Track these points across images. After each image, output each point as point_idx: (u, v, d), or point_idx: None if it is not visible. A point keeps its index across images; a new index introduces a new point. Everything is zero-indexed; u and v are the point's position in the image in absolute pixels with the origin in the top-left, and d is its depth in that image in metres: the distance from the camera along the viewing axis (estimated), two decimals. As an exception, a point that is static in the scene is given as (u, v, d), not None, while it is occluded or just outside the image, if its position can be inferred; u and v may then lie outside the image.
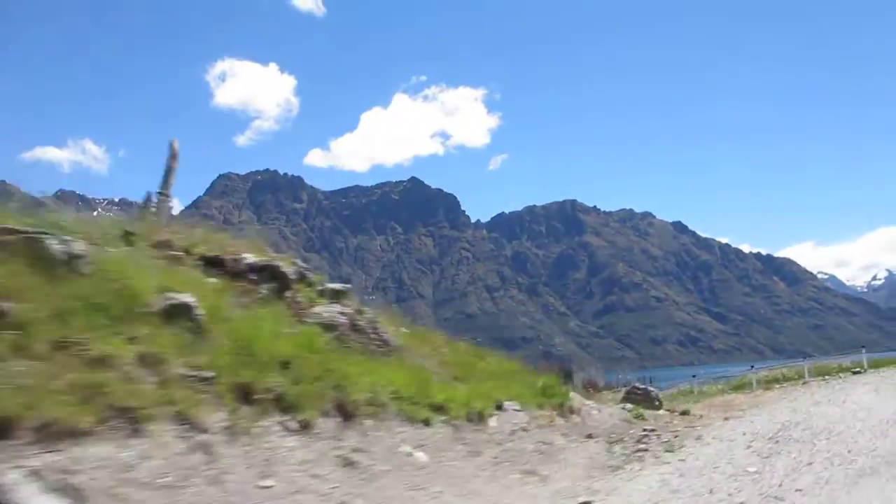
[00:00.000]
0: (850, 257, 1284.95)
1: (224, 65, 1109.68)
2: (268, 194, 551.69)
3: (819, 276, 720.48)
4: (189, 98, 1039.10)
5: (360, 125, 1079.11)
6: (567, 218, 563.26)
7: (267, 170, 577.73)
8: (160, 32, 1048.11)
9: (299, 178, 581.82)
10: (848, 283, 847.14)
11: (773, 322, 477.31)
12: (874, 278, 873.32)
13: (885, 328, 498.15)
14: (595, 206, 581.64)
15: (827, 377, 31.46)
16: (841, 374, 32.10)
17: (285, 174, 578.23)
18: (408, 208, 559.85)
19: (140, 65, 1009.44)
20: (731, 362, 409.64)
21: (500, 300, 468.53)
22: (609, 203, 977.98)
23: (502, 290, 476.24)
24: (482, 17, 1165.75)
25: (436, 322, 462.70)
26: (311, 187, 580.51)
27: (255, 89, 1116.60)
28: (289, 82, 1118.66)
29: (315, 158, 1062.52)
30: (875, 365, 34.27)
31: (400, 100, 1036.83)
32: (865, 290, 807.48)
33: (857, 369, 33.25)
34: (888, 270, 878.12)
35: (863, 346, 41.17)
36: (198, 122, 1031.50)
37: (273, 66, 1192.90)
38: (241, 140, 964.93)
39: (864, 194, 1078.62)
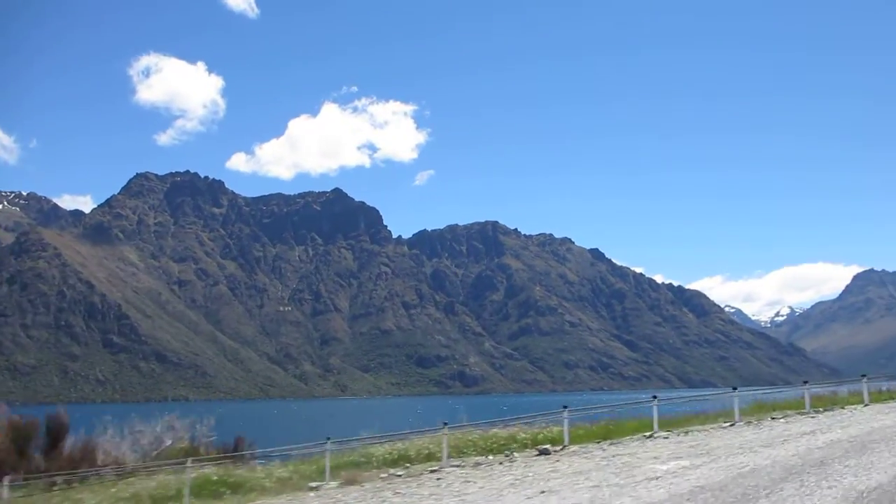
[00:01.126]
0: (756, 293, 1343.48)
1: (149, 59, 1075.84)
2: (186, 197, 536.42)
3: (726, 309, 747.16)
4: (109, 91, 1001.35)
5: (288, 132, 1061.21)
6: (488, 239, 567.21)
7: (187, 171, 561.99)
8: (81, 21, 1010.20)
9: (220, 183, 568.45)
10: (753, 318, 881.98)
11: (680, 352, 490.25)
12: (777, 314, 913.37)
13: (784, 362, 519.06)
14: (516, 229, 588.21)
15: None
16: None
17: (206, 177, 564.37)
18: (329, 220, 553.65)
19: (59, 54, 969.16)
20: (640, 389, 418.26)
21: (416, 317, 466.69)
22: (530, 227, 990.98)
23: (419, 308, 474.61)
24: (419, 33, 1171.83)
25: (351, 336, 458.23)
26: (232, 192, 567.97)
27: (180, 87, 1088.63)
28: (216, 83, 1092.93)
29: (238, 163, 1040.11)
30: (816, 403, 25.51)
31: (329, 109, 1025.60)
32: (769, 325, 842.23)
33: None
34: (790, 307, 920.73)
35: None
36: (117, 116, 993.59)
37: (201, 65, 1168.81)
38: (163, 139, 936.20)
39: (772, 233, 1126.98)
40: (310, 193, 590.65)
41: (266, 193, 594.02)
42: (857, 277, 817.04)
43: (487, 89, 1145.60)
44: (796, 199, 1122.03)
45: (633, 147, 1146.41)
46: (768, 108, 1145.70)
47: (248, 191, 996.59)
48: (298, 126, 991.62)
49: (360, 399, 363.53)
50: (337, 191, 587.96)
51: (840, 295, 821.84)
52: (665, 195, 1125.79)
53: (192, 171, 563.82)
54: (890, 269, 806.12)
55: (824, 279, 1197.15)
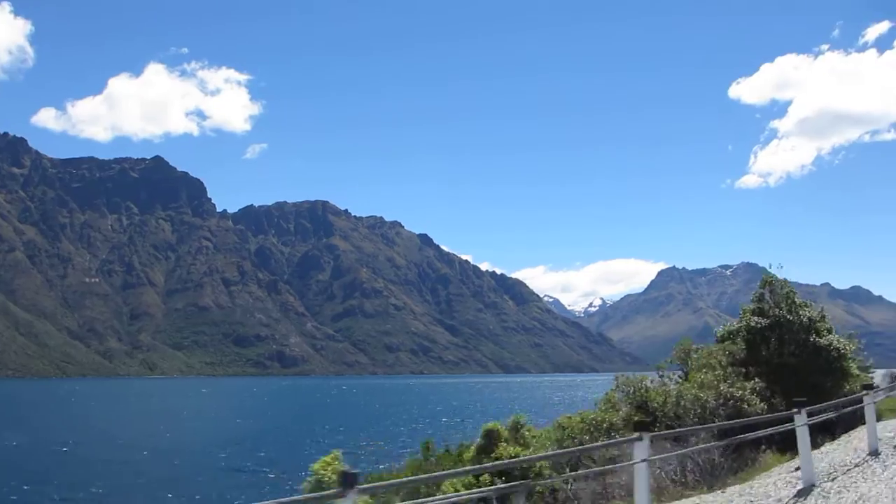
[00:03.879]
0: (574, 284, 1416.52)
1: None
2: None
3: (545, 298, 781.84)
4: None
5: (107, 90, 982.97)
6: (317, 218, 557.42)
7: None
8: None
9: (22, 140, 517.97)
10: (569, 308, 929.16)
11: (499, 338, 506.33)
12: (590, 305, 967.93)
13: (592, 350, 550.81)
14: (346, 210, 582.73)
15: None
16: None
17: (5, 133, 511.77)
18: (148, 188, 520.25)
19: None
20: (458, 374, 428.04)
21: (237, 295, 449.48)
22: (361, 209, 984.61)
23: (241, 285, 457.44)
24: (262, 1, 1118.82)
25: (165, 312, 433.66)
26: (37, 152, 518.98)
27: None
28: (23, 27, 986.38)
29: (46, 119, 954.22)
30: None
31: (155, 70, 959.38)
32: (582, 314, 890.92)
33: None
34: (602, 299, 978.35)
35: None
36: None
37: (5, 6, 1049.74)
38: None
39: (592, 229, 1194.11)
40: (127, 160, 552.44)
41: (78, 156, 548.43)
42: (661, 273, 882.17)
43: (325, 69, 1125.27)
44: (616, 200, 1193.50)
45: (469, 133, 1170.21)
46: (590, 123, 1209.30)
47: (56, 152, 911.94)
48: (119, 85, 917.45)
49: (170, 378, 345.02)
50: (157, 159, 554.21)
51: (645, 289, 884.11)
52: (493, 186, 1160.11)
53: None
54: (689, 268, 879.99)
55: (634, 273, 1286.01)
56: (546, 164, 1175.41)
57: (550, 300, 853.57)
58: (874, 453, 12.70)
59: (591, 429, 16.56)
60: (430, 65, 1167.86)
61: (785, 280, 21.66)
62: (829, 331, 20.43)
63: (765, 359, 19.87)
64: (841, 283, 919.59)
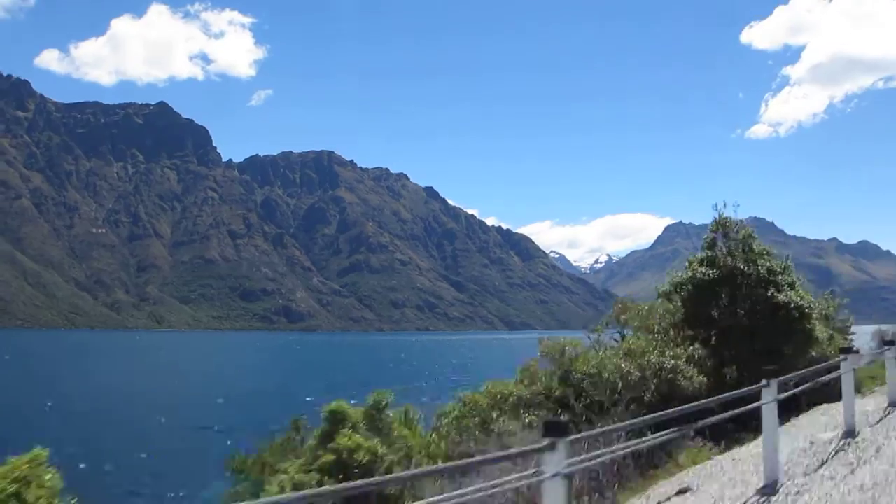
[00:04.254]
0: (580, 239, 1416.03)
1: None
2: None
3: (551, 254, 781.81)
4: None
5: (110, 31, 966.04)
6: (323, 169, 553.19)
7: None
8: None
9: (26, 83, 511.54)
10: (575, 264, 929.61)
11: (505, 294, 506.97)
12: (597, 261, 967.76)
13: (598, 307, 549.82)
14: (352, 161, 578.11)
15: None
16: None
17: (9, 76, 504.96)
18: (153, 135, 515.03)
19: None
20: (463, 330, 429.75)
21: (243, 248, 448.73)
22: (367, 160, 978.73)
23: (246, 238, 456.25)
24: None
25: (171, 265, 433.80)
26: (41, 96, 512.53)
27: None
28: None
29: (49, 61, 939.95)
30: None
31: (158, 11, 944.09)
32: (588, 271, 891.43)
33: None
34: (608, 255, 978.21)
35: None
36: None
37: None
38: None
39: (599, 183, 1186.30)
40: (132, 105, 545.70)
41: (82, 100, 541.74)
42: (667, 229, 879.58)
43: (331, 14, 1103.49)
44: (624, 153, 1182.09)
45: (476, 85, 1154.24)
46: (600, 75, 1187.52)
47: (60, 95, 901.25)
48: (122, 26, 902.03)
49: (179, 332, 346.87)
50: (162, 104, 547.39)
51: (652, 245, 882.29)
52: (501, 139, 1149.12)
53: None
54: (696, 223, 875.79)
55: (641, 228, 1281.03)
56: (554, 117, 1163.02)
57: (556, 256, 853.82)
58: (850, 434, 10.15)
59: (496, 406, 13.48)
60: (437, 15, 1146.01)
61: (742, 222, 18.22)
62: (792, 285, 17.21)
63: (713, 319, 16.69)
64: (849, 238, 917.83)
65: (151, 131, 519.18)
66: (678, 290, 17.63)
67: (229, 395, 60.43)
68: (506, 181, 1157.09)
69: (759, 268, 16.98)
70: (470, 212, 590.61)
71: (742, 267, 17.00)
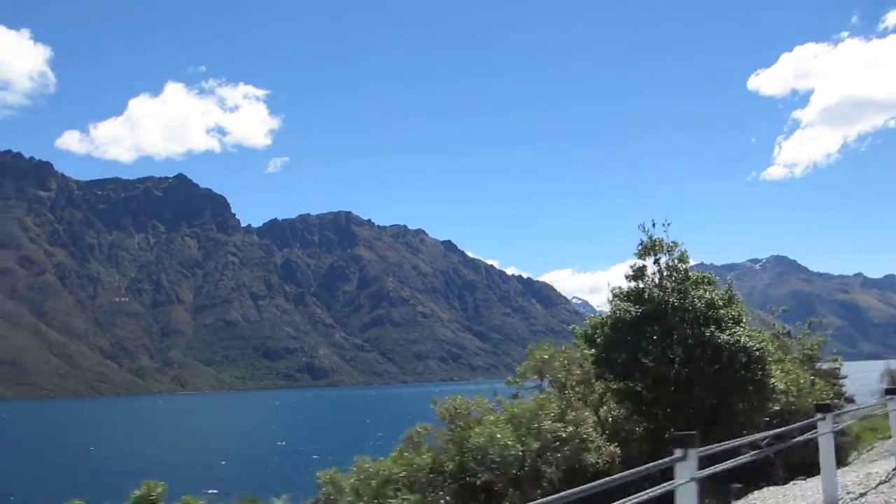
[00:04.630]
0: (602, 284, 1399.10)
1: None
2: (8, 178, 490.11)
3: (573, 300, 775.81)
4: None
5: (128, 111, 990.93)
6: (341, 229, 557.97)
7: (9, 151, 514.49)
8: None
9: (48, 164, 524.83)
10: (598, 308, 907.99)
11: (528, 341, 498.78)
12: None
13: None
14: (370, 220, 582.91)
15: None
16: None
17: (31, 158, 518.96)
18: (172, 207, 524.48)
19: None
20: (489, 378, 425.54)
21: (264, 308, 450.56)
22: (384, 218, 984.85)
23: (268, 299, 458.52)
24: (273, 10, 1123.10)
25: (194, 329, 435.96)
26: (62, 175, 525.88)
27: (1, 56, 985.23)
28: (43, 52, 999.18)
29: (71, 142, 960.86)
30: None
31: (174, 89, 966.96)
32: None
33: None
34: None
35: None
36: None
37: (25, 32, 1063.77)
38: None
39: (618, 228, 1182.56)
40: (150, 179, 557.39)
41: (102, 177, 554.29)
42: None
43: (343, 81, 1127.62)
44: (642, 196, 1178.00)
45: (485, 135, 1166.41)
46: (617, 116, 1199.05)
47: (82, 174, 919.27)
48: (140, 105, 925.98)
49: (202, 394, 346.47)
50: (180, 176, 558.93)
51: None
52: (516, 188, 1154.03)
53: (14, 150, 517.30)
54: (718, 263, 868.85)
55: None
56: (567, 161, 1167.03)
57: (579, 302, 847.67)
58: None
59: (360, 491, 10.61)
60: (440, 61, 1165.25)
61: (675, 244, 14.37)
62: (738, 321, 13.41)
63: (642, 368, 13.00)
64: (874, 272, 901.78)
65: (171, 203, 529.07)
66: (596, 331, 14.48)
67: (233, 456, 60.39)
68: (524, 230, 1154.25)
69: (697, 301, 13.51)
70: (489, 262, 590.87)
71: (675, 301, 13.55)
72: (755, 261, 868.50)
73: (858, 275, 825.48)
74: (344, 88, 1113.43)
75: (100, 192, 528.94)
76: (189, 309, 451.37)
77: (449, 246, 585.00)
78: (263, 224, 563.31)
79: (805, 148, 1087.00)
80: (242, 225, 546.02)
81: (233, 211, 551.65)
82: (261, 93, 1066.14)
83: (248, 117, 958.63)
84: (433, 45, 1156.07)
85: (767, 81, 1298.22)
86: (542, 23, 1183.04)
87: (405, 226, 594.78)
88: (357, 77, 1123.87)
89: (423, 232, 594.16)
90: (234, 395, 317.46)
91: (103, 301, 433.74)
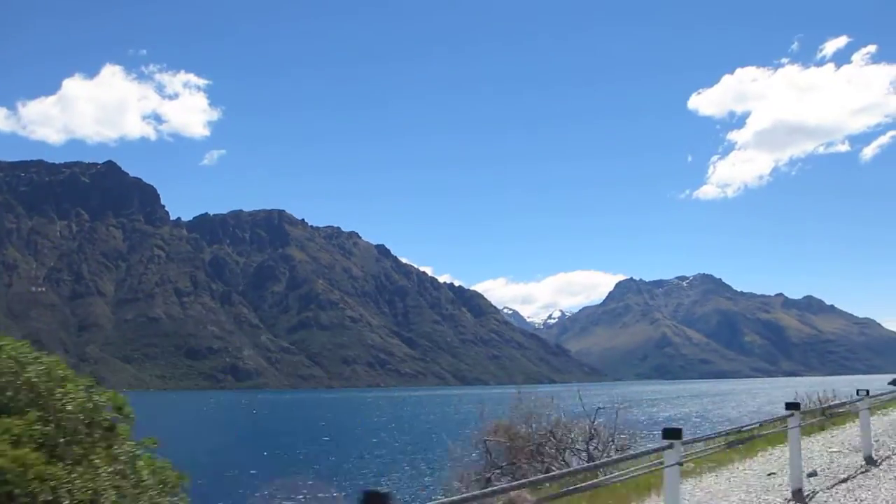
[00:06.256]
0: (534, 296, 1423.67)
1: None
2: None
3: (504, 310, 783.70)
4: None
5: (61, 91, 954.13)
6: (273, 228, 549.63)
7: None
8: None
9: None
10: (528, 320, 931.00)
11: (457, 350, 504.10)
12: (550, 317, 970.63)
13: (550, 362, 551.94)
14: (303, 220, 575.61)
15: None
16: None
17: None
18: (99, 194, 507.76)
19: None
20: (415, 386, 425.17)
21: (189, 306, 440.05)
22: (318, 219, 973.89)
23: (193, 296, 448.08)
24: (224, 1, 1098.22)
25: (114, 324, 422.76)
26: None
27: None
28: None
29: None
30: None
31: (112, 71, 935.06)
32: (541, 326, 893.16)
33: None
34: (561, 311, 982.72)
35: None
36: None
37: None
38: None
39: (553, 241, 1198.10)
40: (78, 164, 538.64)
41: (27, 159, 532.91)
42: (618, 285, 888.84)
43: (288, 78, 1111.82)
44: (577, 212, 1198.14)
45: (429, 147, 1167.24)
46: (557, 133, 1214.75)
47: (5, 154, 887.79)
48: (74, 86, 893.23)
49: (119, 393, 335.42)
50: (110, 163, 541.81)
51: (603, 300, 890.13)
52: (454, 198, 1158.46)
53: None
54: (647, 279, 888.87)
55: (593, 285, 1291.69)
56: (506, 175, 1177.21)
57: (510, 312, 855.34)
58: None
59: None
60: (386, 78, 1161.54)
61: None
62: None
63: None
64: (795, 293, 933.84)
65: (97, 190, 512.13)
66: None
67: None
68: (460, 240, 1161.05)
69: None
70: (423, 269, 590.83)
71: None
72: (682, 278, 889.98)
73: (779, 295, 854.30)
74: (288, 84, 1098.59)
75: (22, 175, 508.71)
76: (110, 302, 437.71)
77: (382, 250, 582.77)
78: (194, 218, 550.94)
79: (738, 169, 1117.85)
80: (172, 218, 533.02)
81: (162, 202, 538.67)
82: (202, 82, 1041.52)
83: (188, 106, 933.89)
84: (378, 64, 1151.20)
85: (707, 102, 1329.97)
86: (485, 49, 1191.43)
87: (339, 227, 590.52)
88: (302, 74, 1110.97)
89: (357, 235, 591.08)
90: (153, 395, 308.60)
91: (18, 290, 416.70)
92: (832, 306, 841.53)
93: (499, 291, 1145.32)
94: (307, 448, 68.44)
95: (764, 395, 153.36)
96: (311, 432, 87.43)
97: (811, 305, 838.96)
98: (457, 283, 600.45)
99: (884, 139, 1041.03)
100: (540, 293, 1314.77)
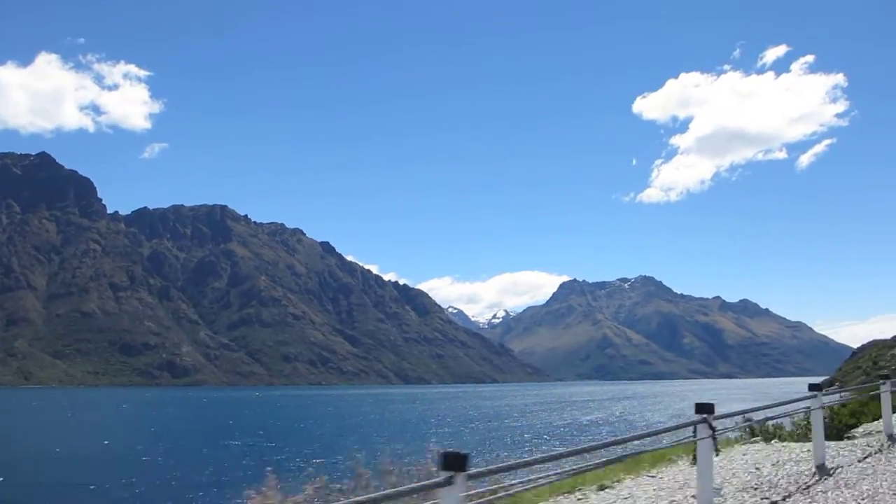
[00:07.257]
0: (479, 295, 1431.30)
1: None
2: None
3: (450, 310, 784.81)
4: None
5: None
6: (215, 223, 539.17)
7: None
8: None
9: None
10: (473, 319, 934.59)
11: (400, 349, 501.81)
12: (494, 317, 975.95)
13: (493, 361, 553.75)
14: (246, 216, 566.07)
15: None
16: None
17: None
18: (32, 186, 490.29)
19: None
20: (357, 384, 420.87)
21: (125, 301, 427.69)
22: (262, 215, 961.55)
23: (129, 291, 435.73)
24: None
25: (45, 318, 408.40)
26: None
27: None
28: None
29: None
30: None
31: (47, 60, 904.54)
32: (486, 326, 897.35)
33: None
34: (506, 311, 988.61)
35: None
36: None
37: None
38: None
39: (499, 241, 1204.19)
40: (9, 155, 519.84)
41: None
42: (562, 286, 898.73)
43: (231, 72, 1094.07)
44: (523, 213, 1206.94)
45: (377, 146, 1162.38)
46: (504, 133, 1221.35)
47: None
48: (6, 74, 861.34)
49: (48, 388, 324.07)
50: (43, 154, 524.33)
51: (547, 301, 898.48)
52: (400, 197, 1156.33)
53: None
54: (590, 280, 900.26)
55: (538, 286, 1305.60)
56: (453, 175, 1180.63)
57: (454, 311, 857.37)
58: None
59: None
60: (331, 77, 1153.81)
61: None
62: None
63: None
64: (731, 297, 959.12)
65: (30, 182, 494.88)
66: None
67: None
68: (407, 239, 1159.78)
69: None
70: (368, 267, 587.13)
71: None
72: (625, 280, 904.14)
73: (717, 298, 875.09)
74: (231, 78, 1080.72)
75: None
76: (41, 297, 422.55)
77: (327, 247, 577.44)
78: (132, 212, 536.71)
79: (681, 174, 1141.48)
80: (109, 211, 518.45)
81: (99, 195, 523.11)
82: (143, 73, 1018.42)
83: (128, 98, 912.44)
84: (324, 63, 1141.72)
85: (651, 106, 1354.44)
86: (434, 50, 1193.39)
87: (283, 224, 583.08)
88: (247, 69, 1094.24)
89: (301, 232, 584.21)
90: (83, 392, 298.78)
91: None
92: (767, 310, 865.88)
93: (444, 290, 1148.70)
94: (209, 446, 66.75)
95: (695, 397, 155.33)
96: (215, 430, 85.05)
97: (747, 309, 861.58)
98: (402, 282, 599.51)
99: (819, 148, 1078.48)
100: (485, 293, 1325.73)
